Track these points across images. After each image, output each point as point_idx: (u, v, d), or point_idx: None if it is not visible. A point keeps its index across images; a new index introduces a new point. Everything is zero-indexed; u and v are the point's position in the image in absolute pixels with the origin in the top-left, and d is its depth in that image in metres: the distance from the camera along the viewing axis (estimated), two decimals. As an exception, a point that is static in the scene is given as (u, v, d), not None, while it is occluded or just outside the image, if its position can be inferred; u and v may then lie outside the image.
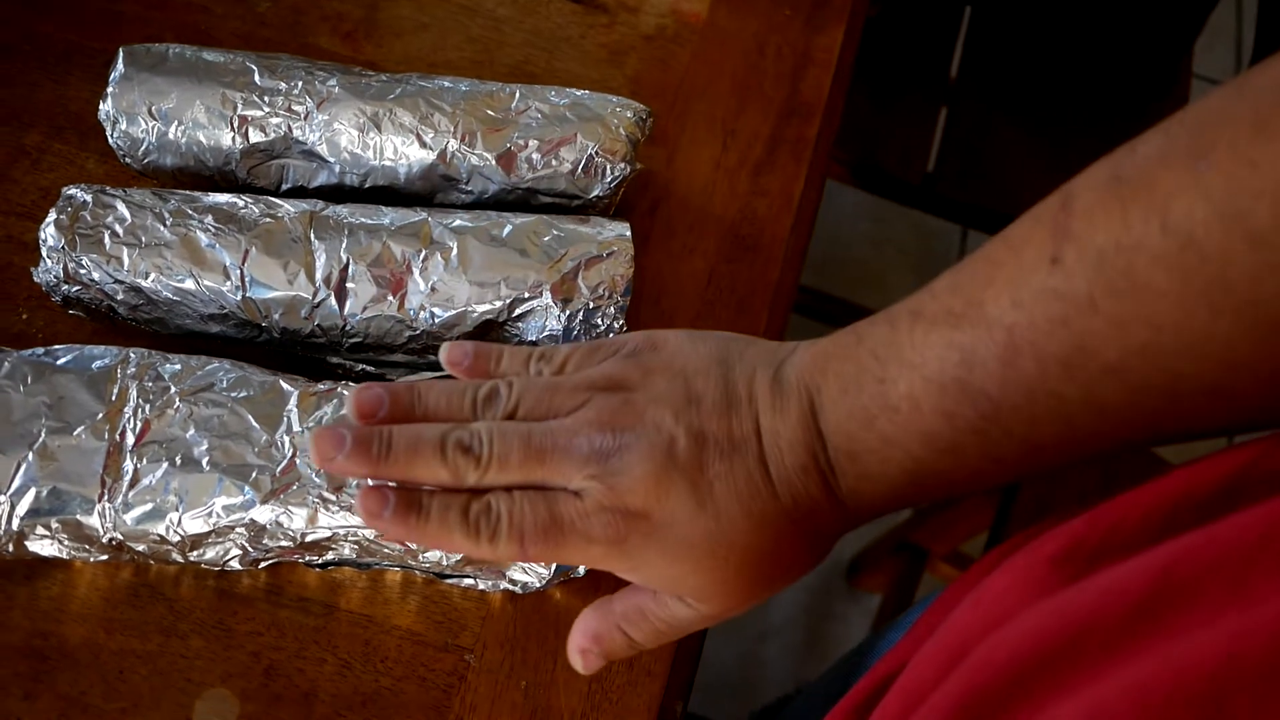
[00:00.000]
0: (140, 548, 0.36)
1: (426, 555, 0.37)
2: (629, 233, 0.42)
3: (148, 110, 0.43)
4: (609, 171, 0.44)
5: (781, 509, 0.32)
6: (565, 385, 0.33)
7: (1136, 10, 0.99)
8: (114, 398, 0.36)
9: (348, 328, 0.40)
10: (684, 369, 0.34)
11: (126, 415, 0.36)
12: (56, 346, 0.38)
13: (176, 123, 0.43)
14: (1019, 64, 1.05)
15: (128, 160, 0.44)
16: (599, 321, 0.41)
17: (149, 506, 0.35)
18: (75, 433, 0.35)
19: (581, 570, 0.39)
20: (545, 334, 0.41)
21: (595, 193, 0.45)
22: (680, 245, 0.49)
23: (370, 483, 0.30)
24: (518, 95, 0.44)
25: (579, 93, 0.45)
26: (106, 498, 0.35)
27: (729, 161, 0.51)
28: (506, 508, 0.31)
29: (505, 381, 0.33)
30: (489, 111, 0.44)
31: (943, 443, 0.30)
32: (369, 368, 0.42)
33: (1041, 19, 1.03)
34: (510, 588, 0.39)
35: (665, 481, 0.31)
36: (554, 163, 0.44)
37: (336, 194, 0.44)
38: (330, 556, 0.38)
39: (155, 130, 0.43)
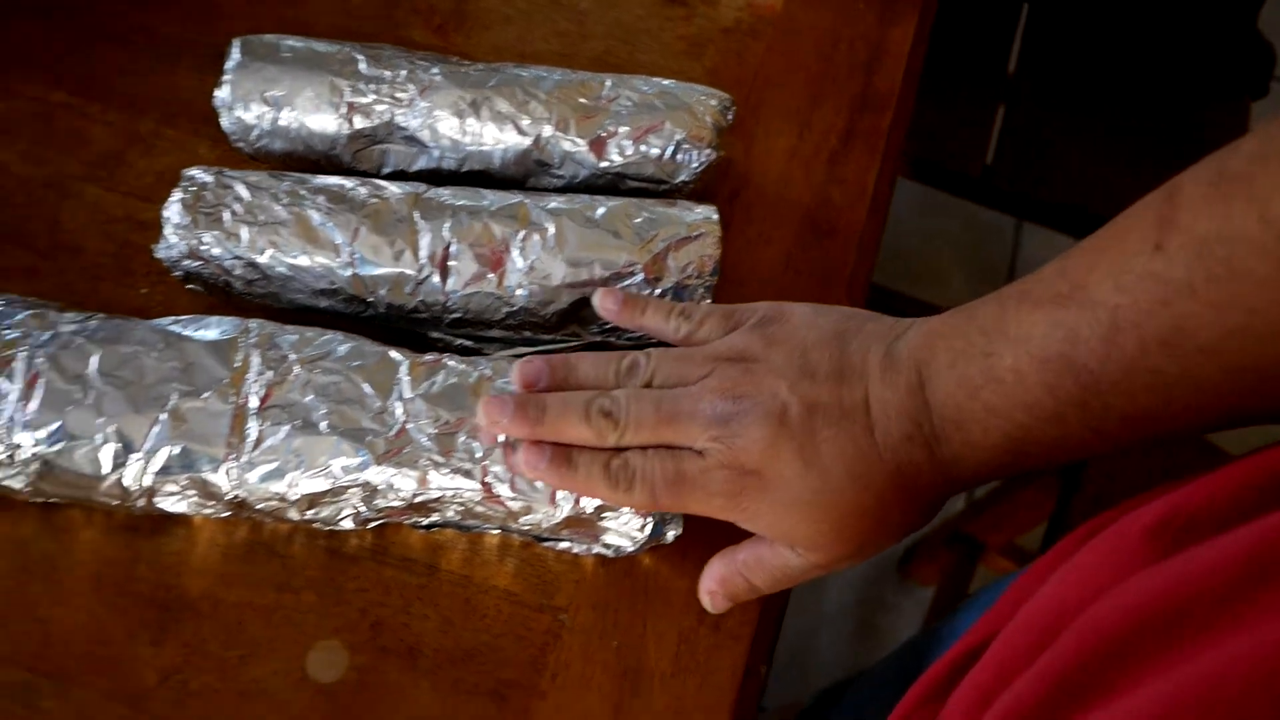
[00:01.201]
0: (260, 506, 0.38)
1: (525, 519, 0.39)
2: (716, 215, 0.44)
3: (260, 97, 0.45)
4: (695, 157, 0.46)
5: (885, 471, 0.35)
6: (696, 356, 0.37)
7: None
8: (237, 364, 0.38)
9: (449, 303, 0.43)
10: (803, 341, 0.37)
11: (250, 381, 0.38)
12: (182, 316, 0.41)
13: (287, 108, 0.45)
14: (1076, 59, 1.05)
15: (239, 144, 0.46)
16: (689, 299, 0.43)
17: (272, 466, 0.37)
18: (203, 396, 0.38)
19: (670, 537, 0.40)
20: (636, 311, 0.43)
21: (681, 178, 0.46)
22: (758, 232, 0.51)
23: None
24: (608, 84, 0.46)
25: (666, 82, 0.47)
26: (232, 457, 0.37)
27: (805, 151, 0.53)
28: (640, 464, 0.36)
29: (645, 354, 0.38)
30: (581, 99, 0.46)
31: (1045, 413, 0.33)
32: (468, 342, 0.44)
33: (1099, 13, 1.04)
34: (603, 552, 0.41)
35: (776, 444, 0.35)
36: (643, 149, 0.46)
37: (434, 178, 0.46)
38: (435, 519, 0.40)
39: (267, 116, 0.45)
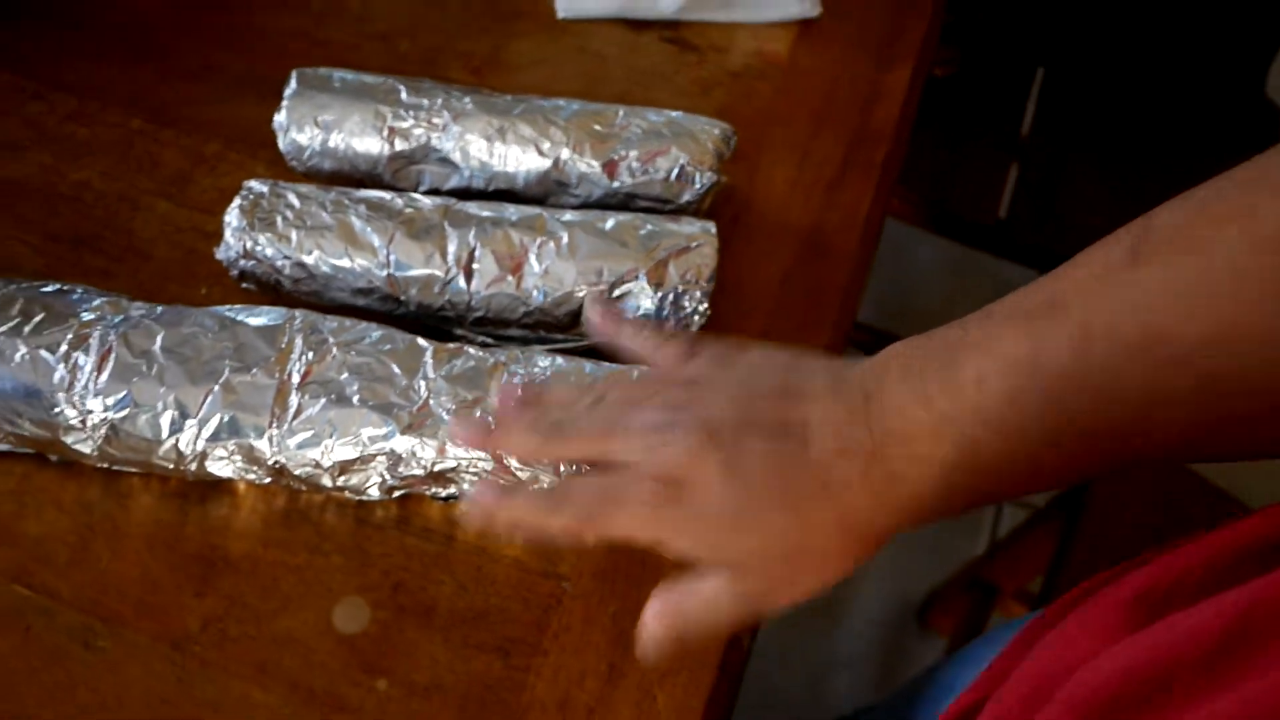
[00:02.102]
0: (298, 471, 0.43)
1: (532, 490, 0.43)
2: (714, 229, 0.49)
3: (313, 121, 0.51)
4: (698, 179, 0.51)
5: (813, 487, 0.33)
6: (650, 377, 0.39)
7: (1205, 55, 1.04)
8: (283, 346, 0.44)
9: (472, 303, 0.48)
10: (753, 365, 0.37)
11: (293, 360, 0.43)
12: (237, 305, 0.46)
13: (336, 131, 0.51)
14: (1091, 118, 1.10)
15: (293, 163, 0.52)
16: (686, 304, 0.48)
17: (309, 434, 0.42)
18: (252, 372, 0.43)
19: (664, 514, 0.45)
20: (640, 313, 0.48)
21: (685, 198, 0.51)
22: (758, 250, 0.55)
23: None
24: (621, 113, 0.52)
25: (674, 113, 0.52)
26: (275, 425, 0.42)
27: (805, 180, 0.58)
28: (575, 483, 0.38)
29: (606, 377, 0.40)
30: (596, 127, 0.51)
31: (1004, 426, 0.31)
32: (488, 340, 0.49)
33: (1113, 75, 1.09)
34: (603, 525, 0.45)
35: (703, 453, 0.34)
36: (651, 171, 0.51)
37: (465, 195, 0.52)
38: (452, 490, 0.44)
39: (319, 138, 0.51)
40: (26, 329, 0.43)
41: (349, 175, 0.52)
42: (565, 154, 0.51)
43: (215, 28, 0.61)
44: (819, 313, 0.54)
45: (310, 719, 0.41)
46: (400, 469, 0.43)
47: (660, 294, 0.48)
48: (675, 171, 0.51)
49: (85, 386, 0.42)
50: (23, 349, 0.43)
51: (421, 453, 0.42)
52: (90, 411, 0.42)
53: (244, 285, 0.49)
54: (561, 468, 0.42)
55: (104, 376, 0.43)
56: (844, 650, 1.24)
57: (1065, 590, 0.36)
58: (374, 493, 0.44)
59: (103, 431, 0.43)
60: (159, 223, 0.54)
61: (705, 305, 0.48)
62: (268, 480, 0.44)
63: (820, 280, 0.55)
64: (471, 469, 0.43)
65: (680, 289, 0.48)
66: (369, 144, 0.51)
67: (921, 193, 1.05)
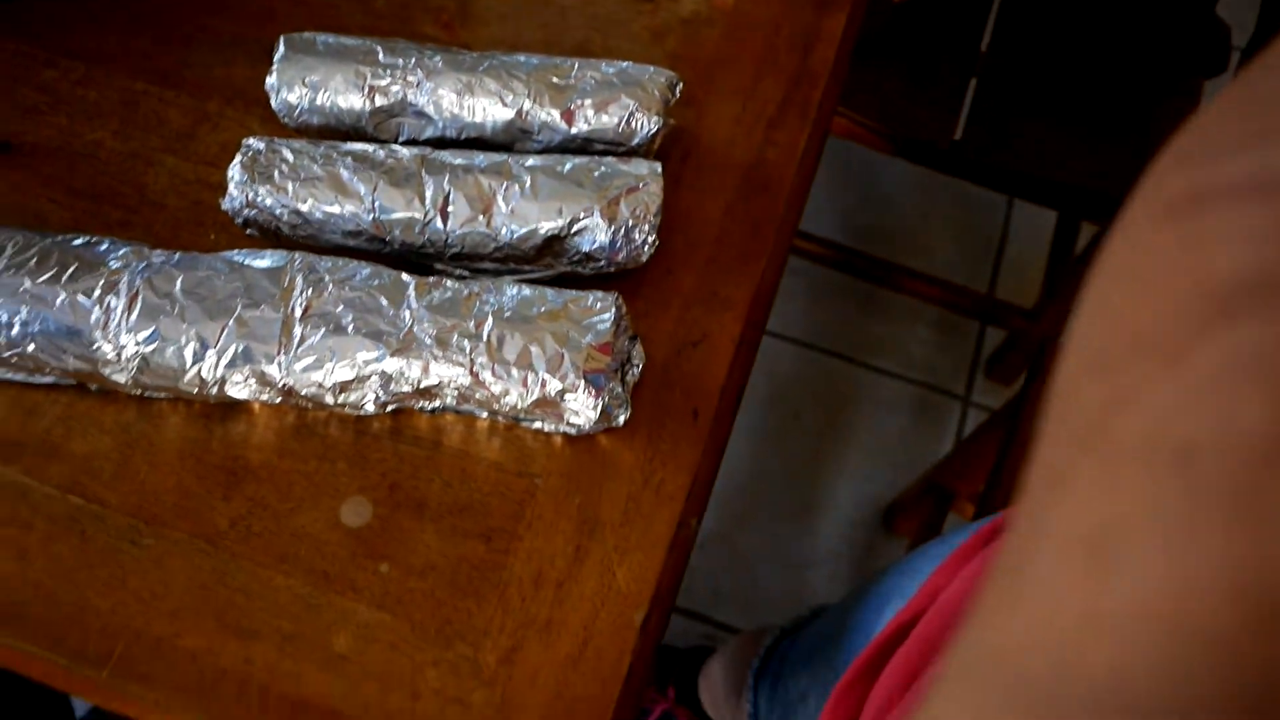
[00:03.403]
0: (304, 391, 0.50)
1: (505, 400, 0.50)
2: (660, 169, 0.55)
3: (301, 82, 0.57)
4: (646, 124, 0.57)
5: None
6: None
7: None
8: (286, 284, 0.50)
9: (449, 241, 0.54)
10: None
11: (295, 296, 0.50)
12: (243, 250, 0.53)
13: (322, 90, 0.57)
14: (1048, 39, 1.15)
15: (285, 120, 0.58)
16: (636, 236, 0.55)
17: (312, 359, 0.49)
18: (260, 308, 0.50)
19: (620, 420, 0.52)
20: (595, 245, 0.54)
21: (636, 141, 0.58)
22: (705, 184, 0.62)
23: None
24: (576, 65, 0.58)
25: (624, 64, 0.58)
26: (282, 353, 0.49)
27: (747, 119, 0.64)
28: None
29: None
30: (554, 79, 0.57)
31: None
32: (464, 273, 0.56)
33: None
34: (568, 430, 0.52)
35: None
36: (604, 118, 0.57)
37: (440, 144, 0.58)
38: (437, 404, 0.52)
39: (307, 97, 0.57)
40: (64, 278, 0.50)
41: (335, 129, 0.58)
42: (527, 104, 0.57)
43: (206, -8, 0.67)
44: (758, 244, 0.60)
45: (326, 598, 0.49)
46: (391, 386, 0.50)
47: (613, 228, 0.54)
48: (625, 118, 0.57)
49: (118, 325, 0.49)
50: (62, 295, 0.50)
51: (409, 372, 0.50)
52: (124, 346, 0.50)
53: (248, 231, 0.56)
54: (529, 378, 0.50)
55: (134, 316, 0.50)
56: (819, 551, 1.33)
57: (1004, 497, 0.40)
58: (370, 408, 0.52)
59: (135, 363, 0.50)
60: (168, 176, 0.60)
61: (654, 237, 0.55)
62: (278, 400, 0.51)
63: (759, 211, 0.61)
64: (453, 384, 0.50)
65: (630, 223, 0.54)
66: (352, 100, 0.57)
67: (882, 116, 1.10)
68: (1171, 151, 0.20)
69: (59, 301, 0.50)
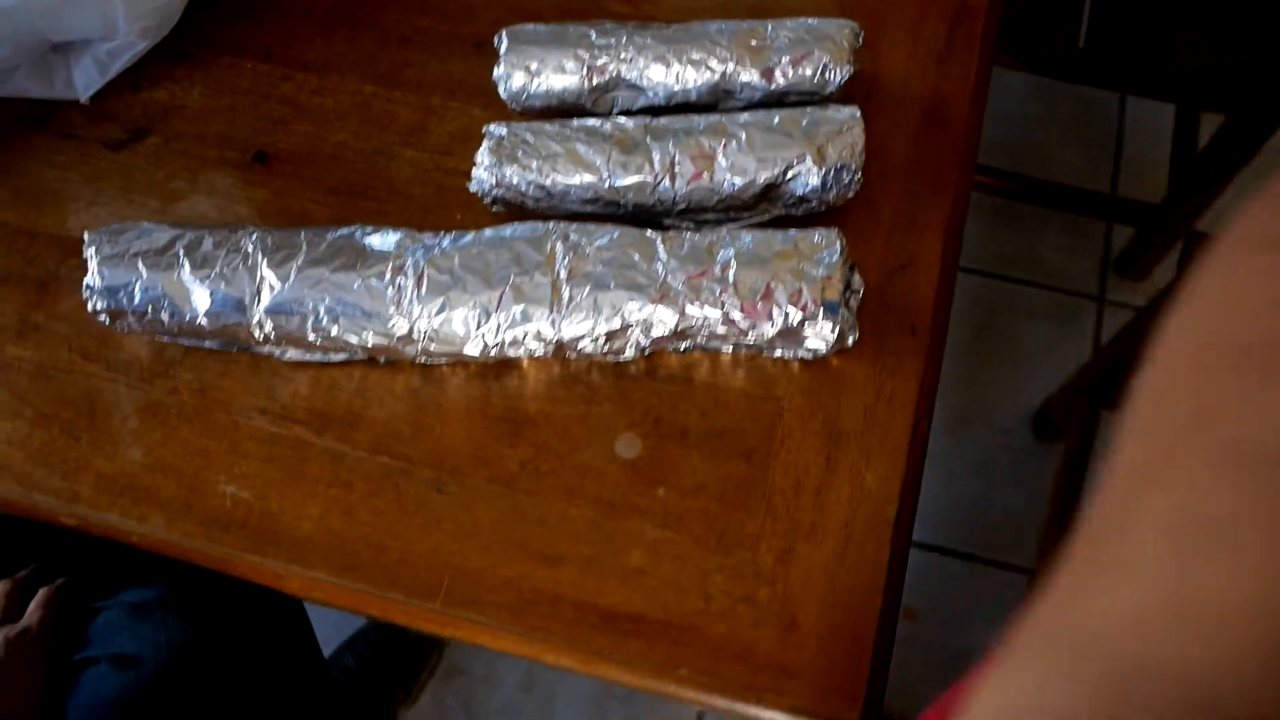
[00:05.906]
0: (576, 345, 0.57)
1: (751, 334, 0.57)
2: (859, 113, 0.61)
3: (524, 69, 0.63)
4: (838, 73, 0.62)
5: None
6: None
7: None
8: (548, 252, 0.57)
9: (676, 198, 0.61)
10: None
11: (558, 261, 0.57)
12: (501, 225, 0.60)
13: (544, 74, 0.63)
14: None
15: (512, 105, 0.65)
16: (844, 177, 0.60)
17: (582, 315, 0.56)
18: (531, 275, 0.57)
19: (850, 342, 0.58)
20: (809, 188, 0.60)
21: (830, 89, 0.63)
22: (890, 121, 0.67)
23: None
24: (769, 27, 0.63)
25: (811, 21, 0.64)
26: (555, 311, 0.56)
27: (918, 55, 0.69)
28: None
29: None
30: (752, 42, 0.63)
31: None
32: (691, 224, 0.62)
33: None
34: (805, 355, 0.58)
35: None
36: (800, 72, 0.62)
37: (651, 111, 0.64)
38: (688, 344, 0.58)
39: (531, 83, 0.63)
40: (357, 265, 0.58)
41: (557, 109, 0.65)
42: (730, 67, 0.62)
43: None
44: (944, 171, 0.65)
45: (615, 523, 0.57)
46: (653, 332, 0.57)
47: (823, 171, 0.60)
48: (820, 70, 0.62)
49: (410, 302, 0.57)
50: (357, 280, 0.57)
51: (667, 318, 0.56)
52: (418, 319, 0.57)
53: (494, 209, 0.63)
54: (774, 311, 0.56)
55: (423, 291, 0.57)
56: (978, 458, 1.37)
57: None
58: (630, 354, 0.58)
59: (427, 334, 0.57)
60: (409, 167, 0.67)
61: (860, 176, 0.60)
62: (551, 354, 0.59)
63: (941, 141, 0.66)
64: (705, 324, 0.57)
65: (839, 165, 0.60)
66: (570, 81, 0.63)
67: (1007, 34, 1.13)
68: (1267, 195, 0.22)
69: (355, 286, 0.57)
